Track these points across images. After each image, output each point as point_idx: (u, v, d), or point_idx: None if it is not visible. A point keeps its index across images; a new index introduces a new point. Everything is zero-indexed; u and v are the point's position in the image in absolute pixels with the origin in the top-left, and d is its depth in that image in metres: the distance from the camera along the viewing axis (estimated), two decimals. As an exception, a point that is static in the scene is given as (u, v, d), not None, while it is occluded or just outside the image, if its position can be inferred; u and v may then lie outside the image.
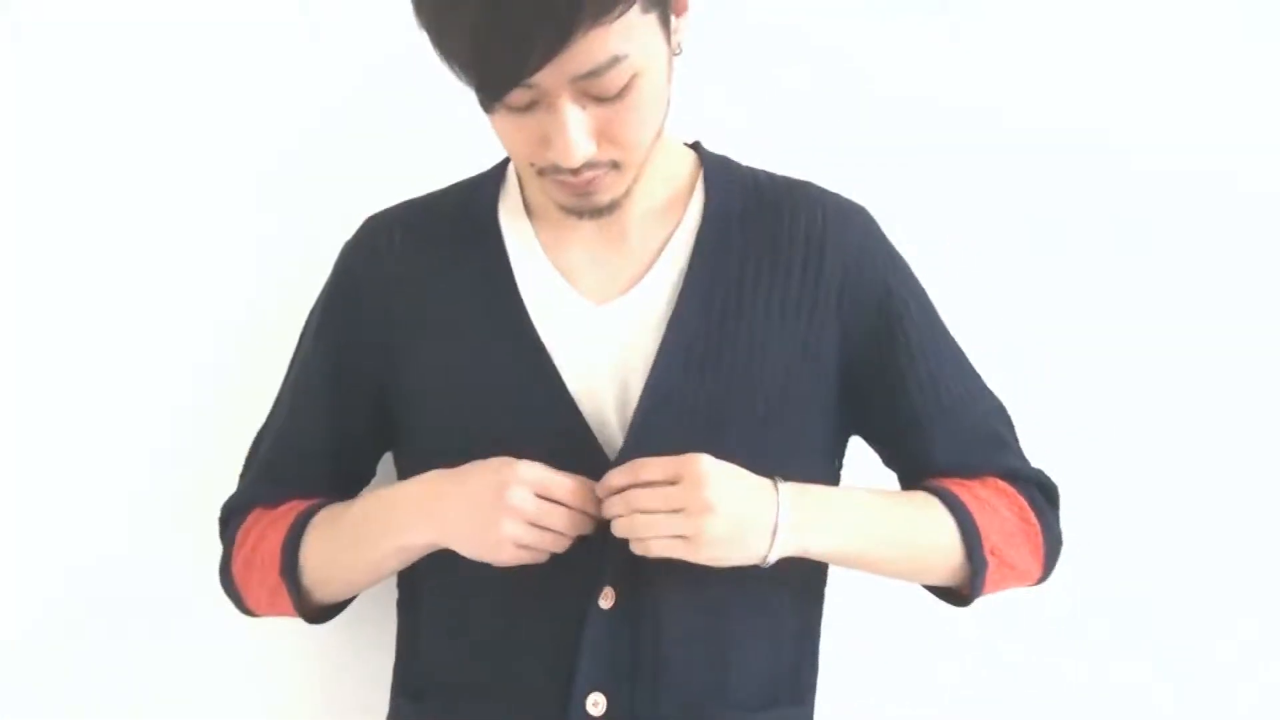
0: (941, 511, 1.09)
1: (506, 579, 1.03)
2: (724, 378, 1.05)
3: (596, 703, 1.03)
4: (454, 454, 1.06)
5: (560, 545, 1.02)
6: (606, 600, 1.04)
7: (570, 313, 1.08)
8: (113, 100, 1.38)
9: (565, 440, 1.05)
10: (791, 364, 1.07)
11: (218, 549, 1.17)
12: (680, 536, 0.98)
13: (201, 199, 1.39)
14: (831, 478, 1.15)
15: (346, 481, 1.19)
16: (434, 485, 1.05)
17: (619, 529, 1.01)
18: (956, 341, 1.16)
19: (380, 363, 1.12)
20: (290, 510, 1.14)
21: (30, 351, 1.39)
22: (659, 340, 1.06)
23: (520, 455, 1.03)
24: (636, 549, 1.00)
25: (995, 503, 1.11)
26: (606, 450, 1.05)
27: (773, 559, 1.02)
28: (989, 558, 1.09)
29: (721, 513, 0.98)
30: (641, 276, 1.09)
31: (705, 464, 0.99)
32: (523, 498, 1.00)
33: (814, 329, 1.08)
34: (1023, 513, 1.12)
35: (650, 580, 1.04)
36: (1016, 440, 1.17)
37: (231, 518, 1.18)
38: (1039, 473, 1.16)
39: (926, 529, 1.08)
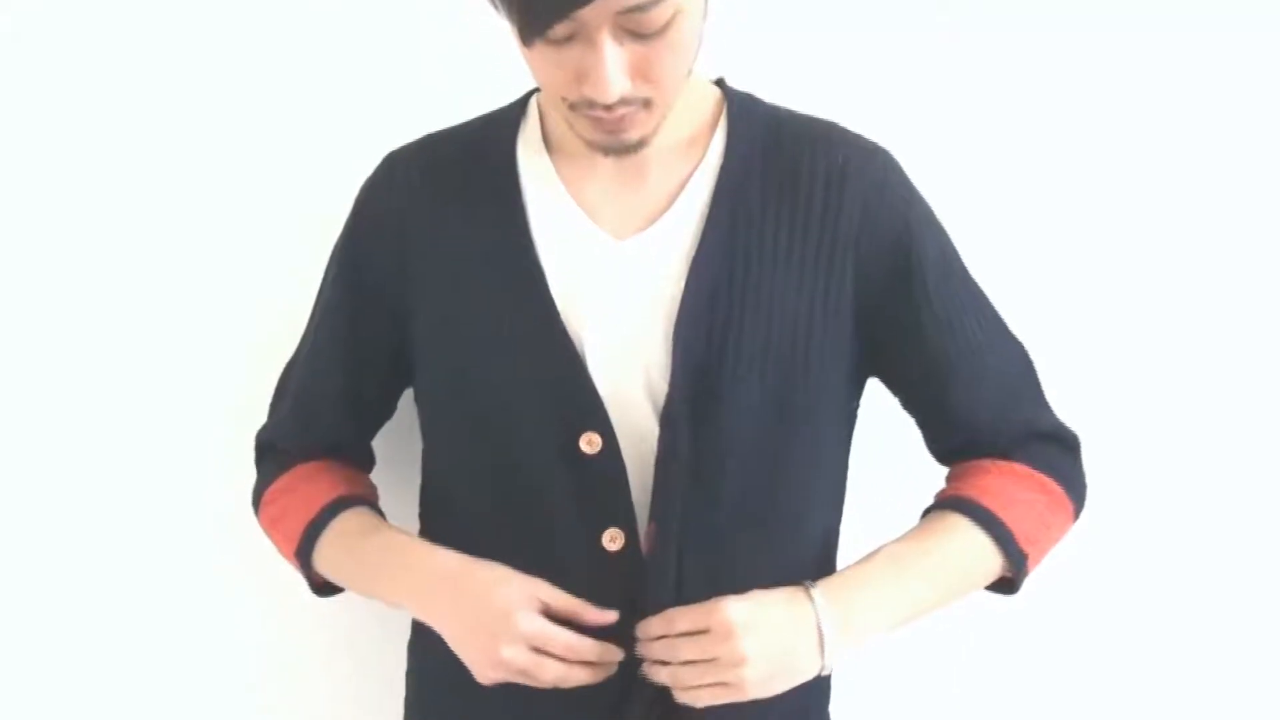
0: (967, 527, 1.09)
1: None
2: (748, 319, 1.06)
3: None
4: (459, 398, 1.08)
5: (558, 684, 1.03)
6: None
7: (589, 248, 1.08)
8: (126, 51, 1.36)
9: (559, 385, 1.05)
10: (812, 305, 1.07)
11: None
12: (723, 684, 1.00)
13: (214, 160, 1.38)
14: (849, 420, 1.16)
15: (366, 420, 1.21)
16: (435, 586, 1.06)
17: (661, 677, 1.03)
18: (979, 285, 1.16)
19: (396, 301, 1.12)
20: (314, 492, 1.15)
21: (32, 345, 1.39)
22: (681, 278, 1.06)
23: (514, 400, 1.05)
24: (683, 698, 1.02)
25: (1015, 492, 1.11)
26: (607, 402, 1.05)
27: (831, 667, 1.03)
28: (1027, 551, 1.10)
29: (756, 657, 0.99)
30: (662, 213, 1.09)
31: (730, 612, 1.00)
32: (515, 653, 1.01)
33: (834, 269, 1.08)
34: (1045, 487, 1.12)
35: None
36: (1038, 387, 1.17)
37: (264, 456, 1.22)
38: (1058, 426, 1.16)
39: (960, 557, 1.09)
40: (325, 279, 1.19)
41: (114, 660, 1.43)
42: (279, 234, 1.38)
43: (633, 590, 1.05)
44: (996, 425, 1.13)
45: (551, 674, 1.01)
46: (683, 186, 1.09)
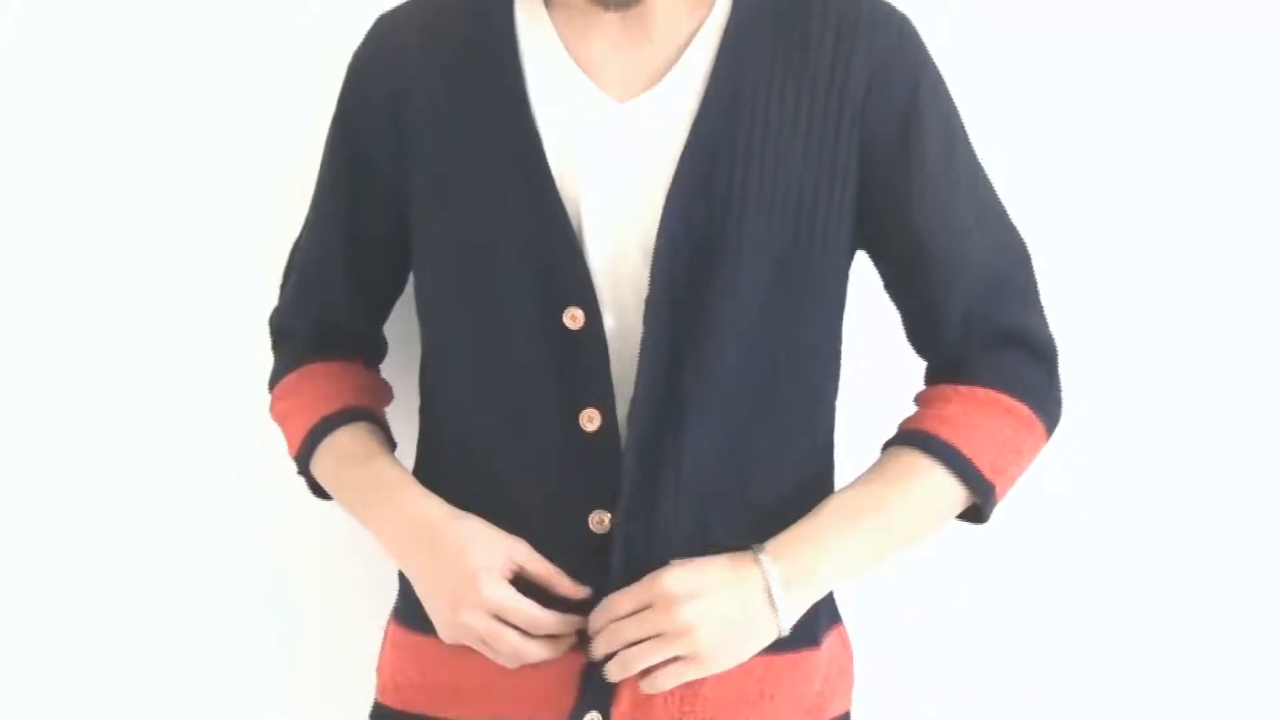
0: (925, 464, 1.05)
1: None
2: (750, 183, 1.02)
3: (601, 520, 1.02)
4: (449, 266, 1.07)
5: (512, 664, 1.01)
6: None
7: (589, 109, 1.04)
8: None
9: (546, 255, 1.02)
10: (819, 170, 1.03)
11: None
12: (679, 659, 0.97)
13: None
14: (843, 299, 1.11)
15: (373, 297, 1.20)
16: (413, 536, 1.05)
17: (613, 672, 1.00)
18: (982, 167, 1.11)
19: (393, 169, 1.10)
20: (318, 398, 1.15)
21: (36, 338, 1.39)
22: (683, 141, 1.02)
23: (500, 268, 1.02)
24: (646, 688, 0.99)
25: (978, 420, 1.06)
26: (603, 273, 1.02)
27: (788, 625, 1.00)
28: (994, 481, 1.06)
29: (702, 623, 0.97)
30: (665, 73, 1.05)
31: (668, 582, 0.98)
32: (474, 618, 0.99)
33: (841, 134, 1.04)
34: (1011, 411, 1.07)
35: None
36: (1028, 286, 1.11)
37: (279, 342, 1.22)
38: (1036, 331, 1.10)
39: (918, 498, 1.05)
40: (323, 155, 1.17)
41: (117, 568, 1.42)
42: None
43: (609, 481, 1.02)
44: (970, 320, 1.08)
45: (508, 647, 1.00)
46: (687, 44, 1.06)
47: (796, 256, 1.03)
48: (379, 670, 1.15)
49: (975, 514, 1.09)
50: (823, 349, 1.09)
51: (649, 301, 1.01)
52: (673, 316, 1.01)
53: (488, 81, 1.06)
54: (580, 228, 1.02)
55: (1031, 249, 1.12)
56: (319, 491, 1.17)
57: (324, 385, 1.16)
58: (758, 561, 1.00)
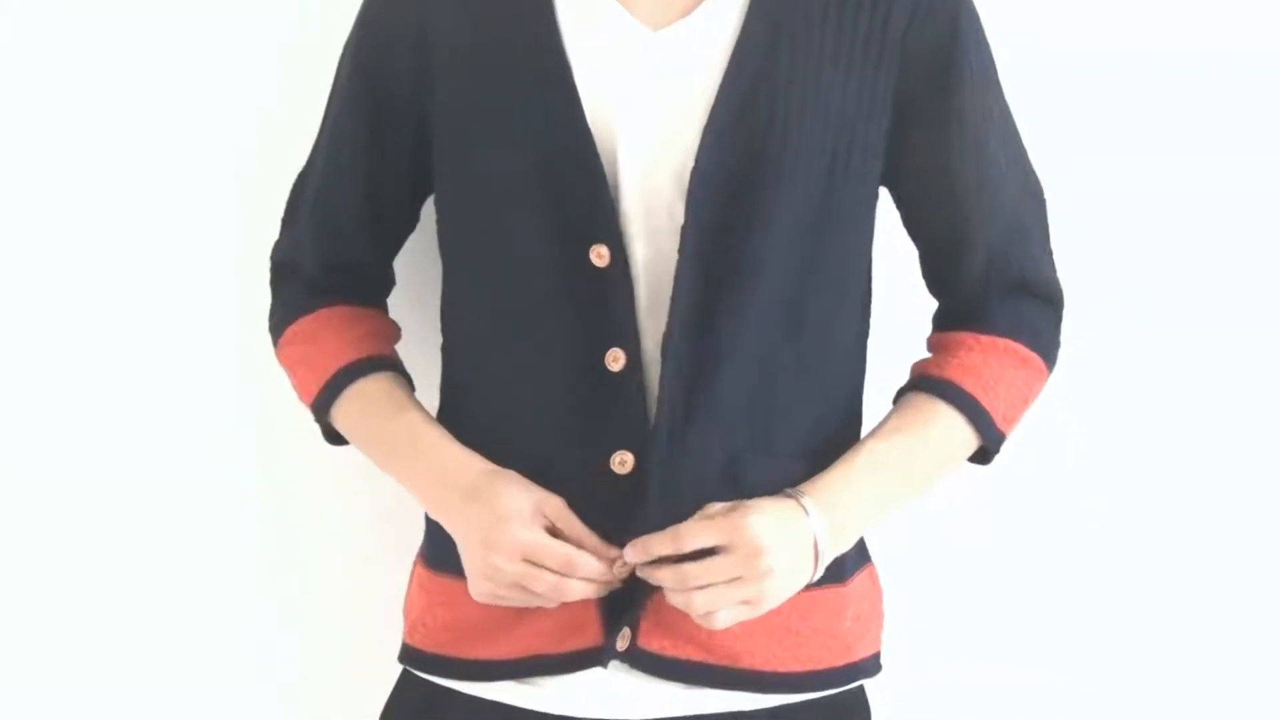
0: (947, 413, 1.07)
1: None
2: (789, 114, 1.00)
3: (624, 461, 1.00)
4: (473, 200, 1.05)
5: (551, 602, 1.00)
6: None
7: (621, 38, 1.02)
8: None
9: (573, 189, 1.00)
10: (859, 103, 1.02)
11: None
12: (746, 602, 0.97)
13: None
14: (872, 223, 1.10)
15: (386, 232, 1.17)
16: (447, 490, 1.03)
17: (674, 602, 0.98)
18: (1011, 114, 1.11)
19: (415, 98, 1.08)
20: (337, 347, 1.12)
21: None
22: (720, 71, 1.01)
23: (526, 203, 1.01)
24: (702, 623, 0.98)
25: (998, 371, 1.08)
26: (636, 210, 1.00)
27: (819, 574, 1.01)
28: (1004, 430, 1.08)
29: (778, 571, 0.97)
30: (701, 0, 1.03)
31: (755, 529, 0.97)
32: (505, 561, 0.98)
33: (881, 66, 1.03)
34: (1026, 361, 1.09)
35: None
36: (1044, 231, 1.13)
37: (283, 279, 1.18)
38: (1049, 280, 1.12)
39: (939, 447, 1.08)
40: (335, 85, 1.14)
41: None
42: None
43: (633, 421, 1.01)
44: (992, 264, 1.09)
45: (543, 585, 0.98)
46: None
47: (831, 190, 1.02)
48: (406, 613, 1.14)
49: (980, 456, 1.10)
50: (853, 285, 1.09)
51: (684, 233, 1.00)
52: (708, 249, 1.00)
53: (516, 7, 1.04)
54: (615, 160, 1.01)
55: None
56: (332, 438, 1.15)
57: (344, 331, 1.14)
58: (806, 511, 1.00)
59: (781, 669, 1.04)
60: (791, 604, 1.02)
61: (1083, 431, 1.39)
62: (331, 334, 1.14)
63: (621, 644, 1.01)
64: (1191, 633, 1.41)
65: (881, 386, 1.13)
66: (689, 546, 0.97)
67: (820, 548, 0.99)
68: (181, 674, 1.40)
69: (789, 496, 1.01)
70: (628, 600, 1.01)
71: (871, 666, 1.12)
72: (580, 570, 0.98)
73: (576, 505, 1.01)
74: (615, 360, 1.00)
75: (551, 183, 1.01)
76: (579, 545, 0.99)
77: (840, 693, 1.08)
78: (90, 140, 1.35)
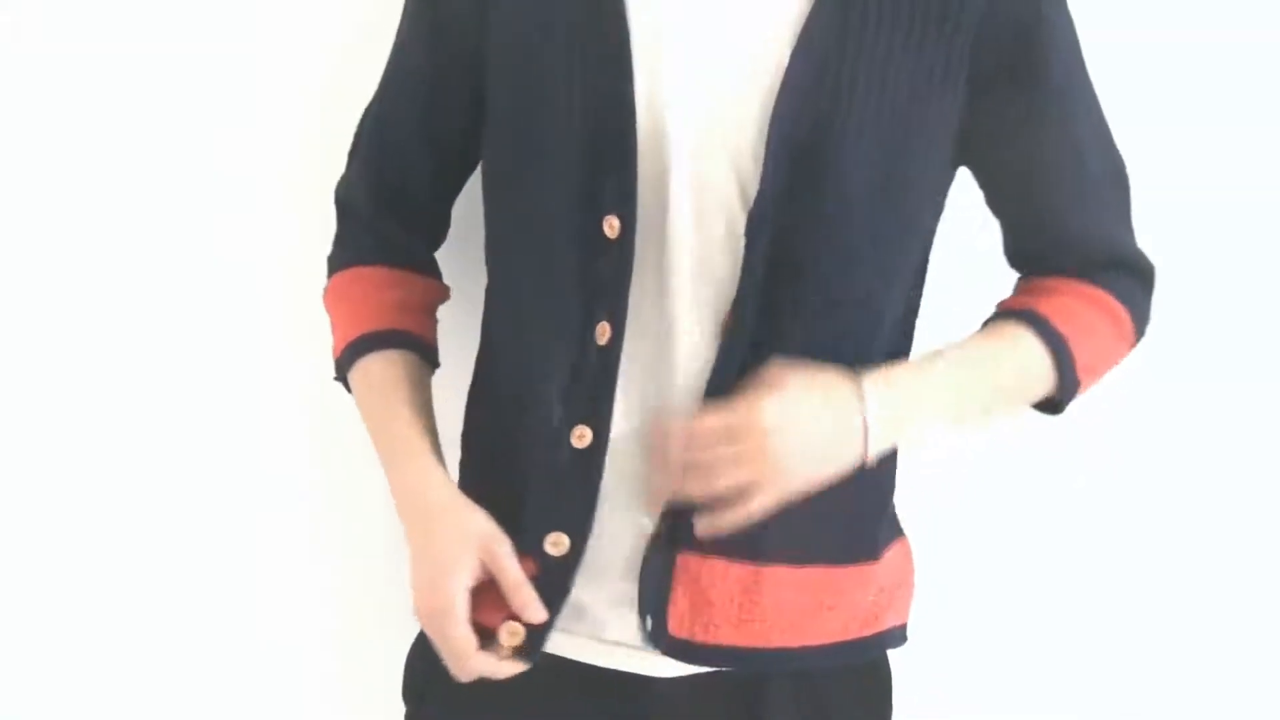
0: (1032, 343, 1.03)
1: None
2: (858, 92, 0.97)
3: (582, 435, 1.00)
4: (508, 149, 1.03)
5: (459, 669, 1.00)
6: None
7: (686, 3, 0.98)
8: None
9: (601, 156, 0.97)
10: (931, 73, 0.98)
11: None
12: (752, 483, 0.93)
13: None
14: (937, 214, 1.08)
15: (443, 166, 1.14)
16: (411, 510, 1.04)
17: (692, 491, 0.96)
18: (1092, 83, 1.08)
19: (475, 32, 1.04)
20: (363, 311, 1.11)
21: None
22: (788, 44, 0.96)
23: (557, 152, 0.98)
24: (702, 529, 0.96)
25: (1086, 317, 1.06)
26: (685, 187, 0.97)
27: (873, 460, 0.97)
28: (1082, 379, 1.05)
29: (787, 454, 0.93)
30: None
31: (758, 410, 0.93)
32: (423, 608, 1.00)
33: (954, 49, 0.99)
34: (1115, 315, 1.07)
35: None
36: (1129, 207, 1.10)
37: (344, 215, 1.17)
38: (1139, 254, 1.10)
39: (1019, 373, 1.04)
40: (401, 17, 1.12)
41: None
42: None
43: (605, 397, 0.99)
44: (1084, 237, 1.07)
45: (444, 651, 1.00)
46: None
47: (903, 163, 0.99)
48: None
49: (1049, 407, 1.08)
50: (908, 264, 1.07)
51: (757, 205, 0.97)
52: (772, 224, 0.97)
53: None
54: (662, 133, 0.97)
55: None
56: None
57: (373, 294, 1.12)
58: (860, 388, 0.97)
59: (812, 643, 1.04)
60: (825, 580, 1.02)
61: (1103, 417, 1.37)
62: (361, 294, 1.13)
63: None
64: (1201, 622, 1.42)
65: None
66: (702, 440, 0.94)
67: (871, 433, 0.96)
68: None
69: (847, 378, 0.98)
70: (661, 585, 1.01)
71: (897, 637, 1.12)
72: (466, 667, 0.99)
73: (552, 481, 1.00)
74: (603, 334, 0.99)
75: (583, 142, 0.98)
76: (509, 595, 0.99)
77: (866, 661, 1.09)
78: (81, 135, 1.33)
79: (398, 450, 1.07)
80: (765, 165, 0.95)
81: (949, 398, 1.01)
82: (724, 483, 0.94)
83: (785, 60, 0.96)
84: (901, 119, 0.98)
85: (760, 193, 0.96)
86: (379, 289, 1.13)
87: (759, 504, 0.95)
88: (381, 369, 1.10)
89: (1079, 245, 1.07)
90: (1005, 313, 1.07)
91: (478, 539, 0.99)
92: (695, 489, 0.95)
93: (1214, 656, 1.43)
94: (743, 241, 0.97)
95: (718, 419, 0.95)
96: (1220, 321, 1.38)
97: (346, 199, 1.16)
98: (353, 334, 1.11)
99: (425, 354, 1.13)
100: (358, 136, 1.16)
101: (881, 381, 0.98)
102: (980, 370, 1.03)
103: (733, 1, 0.98)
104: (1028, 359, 1.03)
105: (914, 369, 1.03)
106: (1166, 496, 1.41)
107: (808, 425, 0.95)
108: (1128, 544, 1.41)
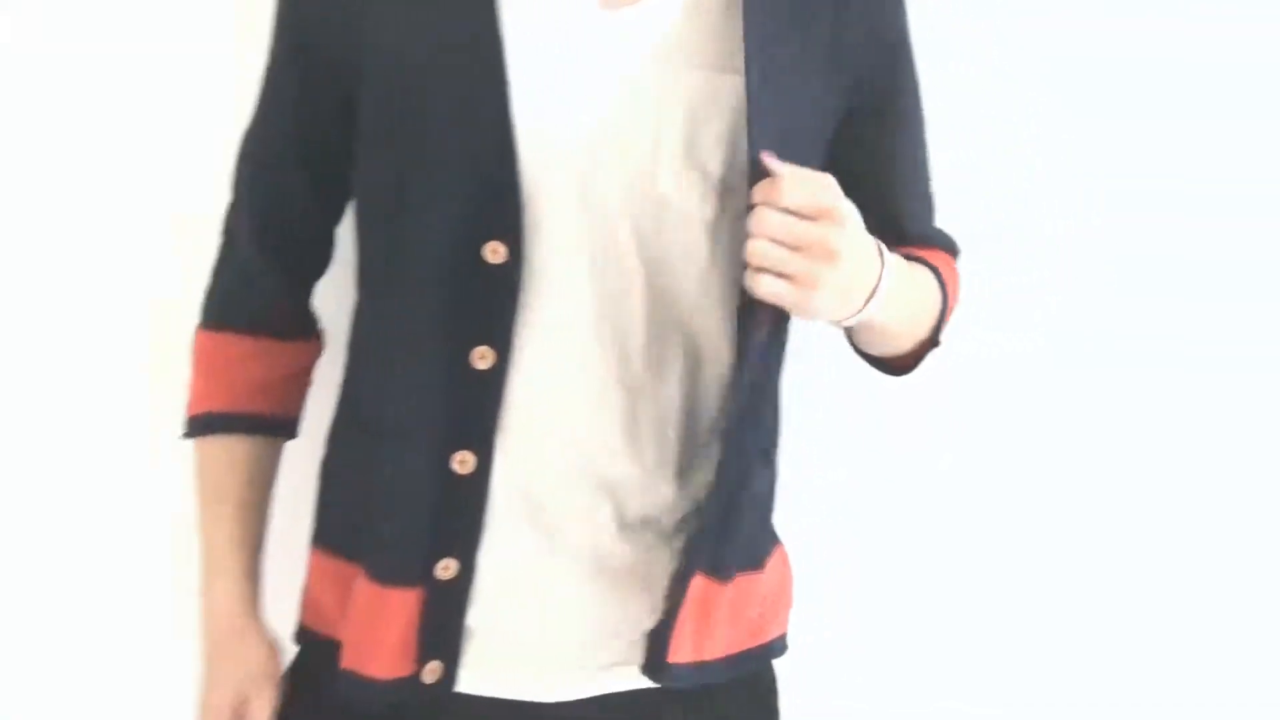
0: (931, 279, 1.08)
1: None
2: (769, 123, 0.97)
3: (464, 460, 0.98)
4: (380, 171, 0.99)
5: None
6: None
7: (568, 14, 0.96)
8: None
9: (479, 183, 0.95)
10: (815, 111, 1.02)
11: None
12: (792, 279, 0.89)
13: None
14: None
15: (326, 188, 1.08)
16: (203, 623, 1.11)
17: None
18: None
19: (343, 53, 1.00)
20: (216, 386, 1.11)
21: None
22: (666, 60, 0.96)
23: (430, 185, 0.96)
24: (747, 280, 0.91)
25: (947, 264, 1.13)
26: (549, 194, 0.96)
27: (852, 323, 0.96)
28: (948, 318, 1.11)
29: (843, 264, 0.90)
30: None
31: (850, 205, 0.92)
32: None
33: (833, 78, 1.03)
34: (955, 270, 1.15)
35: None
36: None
37: (226, 252, 1.13)
38: (949, 237, 1.17)
39: (929, 298, 1.07)
40: (269, 42, 1.08)
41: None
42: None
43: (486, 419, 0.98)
44: (916, 235, 1.12)
45: None
46: None
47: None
48: (304, 592, 1.12)
49: (900, 367, 1.11)
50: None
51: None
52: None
53: None
54: (544, 155, 0.95)
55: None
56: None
57: (235, 367, 1.11)
58: (881, 258, 0.95)
59: (706, 658, 1.05)
60: (714, 592, 1.02)
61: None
62: (221, 366, 1.11)
63: (429, 677, 0.99)
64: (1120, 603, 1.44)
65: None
66: (784, 201, 0.89)
67: (874, 299, 0.94)
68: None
69: (878, 242, 0.97)
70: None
71: (780, 647, 1.13)
72: None
73: (426, 507, 0.99)
74: (484, 359, 0.97)
75: (461, 169, 0.95)
76: None
77: (751, 672, 1.10)
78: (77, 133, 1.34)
79: (210, 565, 1.11)
80: (654, 183, 0.96)
81: (910, 294, 1.02)
82: (772, 265, 0.89)
83: (666, 80, 0.96)
84: (799, 137, 0.99)
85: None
86: (242, 362, 1.11)
87: (805, 299, 0.90)
88: (218, 457, 1.12)
89: (912, 236, 1.11)
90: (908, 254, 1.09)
91: (243, 689, 1.07)
92: (768, 254, 0.90)
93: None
94: (639, 261, 0.97)
95: (804, 180, 0.91)
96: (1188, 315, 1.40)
97: (232, 229, 1.12)
98: (201, 407, 1.11)
99: (278, 432, 1.13)
100: (238, 166, 1.11)
101: (898, 261, 0.99)
102: (921, 285, 1.06)
103: (619, 18, 0.96)
104: (928, 283, 1.07)
105: (905, 264, 1.03)
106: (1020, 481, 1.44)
107: (859, 244, 0.92)
108: (987, 532, 1.44)
